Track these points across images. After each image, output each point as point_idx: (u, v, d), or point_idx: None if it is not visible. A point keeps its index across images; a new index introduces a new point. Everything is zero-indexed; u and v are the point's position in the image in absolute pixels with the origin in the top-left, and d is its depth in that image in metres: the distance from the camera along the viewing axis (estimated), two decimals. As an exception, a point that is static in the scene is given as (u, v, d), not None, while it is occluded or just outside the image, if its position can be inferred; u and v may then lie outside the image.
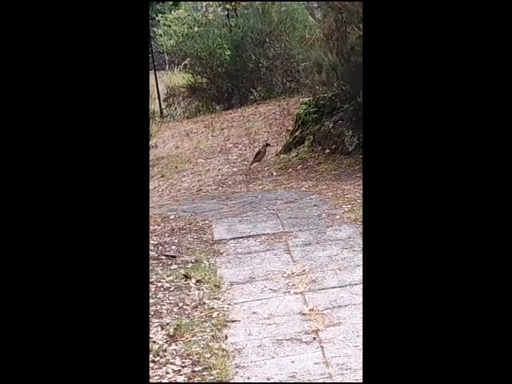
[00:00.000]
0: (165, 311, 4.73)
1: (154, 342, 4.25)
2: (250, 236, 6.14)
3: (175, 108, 15.36)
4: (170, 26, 17.42)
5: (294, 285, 4.99)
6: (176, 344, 4.26)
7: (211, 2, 16.15)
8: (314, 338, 4.18)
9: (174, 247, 5.99)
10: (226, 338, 4.30)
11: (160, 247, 5.97)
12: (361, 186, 7.19)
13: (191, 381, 3.88)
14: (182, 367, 4.00)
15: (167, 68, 17.57)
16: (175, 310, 4.76)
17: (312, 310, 4.55)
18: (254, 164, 9.48)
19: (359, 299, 4.58)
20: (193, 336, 4.33)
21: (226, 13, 15.61)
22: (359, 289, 4.74)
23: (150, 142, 10.95)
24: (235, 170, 9.82)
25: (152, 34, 16.35)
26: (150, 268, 5.32)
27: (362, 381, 3.58)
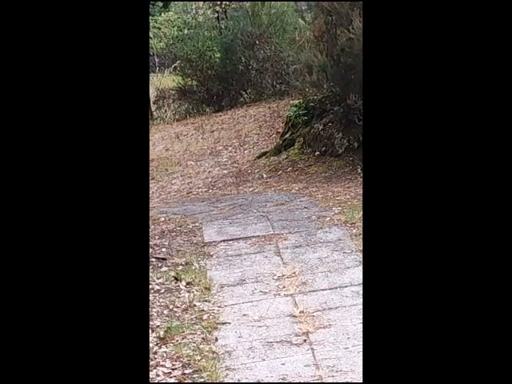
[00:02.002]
0: (155, 313, 4.72)
1: (145, 344, 4.24)
2: (240, 238, 6.13)
3: (165, 110, 15.35)
4: (159, 29, 17.44)
5: (284, 287, 4.98)
6: (166, 346, 4.25)
7: (201, 5, 16.15)
8: (305, 340, 4.18)
9: (164, 249, 5.98)
10: (217, 340, 4.29)
11: (150, 249, 5.96)
12: (350, 188, 7.20)
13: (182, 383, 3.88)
14: (173, 369, 4.00)
15: (157, 70, 17.56)
16: (165, 312, 4.75)
17: (302, 312, 4.54)
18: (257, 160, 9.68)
19: (349, 301, 4.59)
20: (183, 338, 4.33)
21: (216, 15, 15.61)
22: (349, 291, 4.75)
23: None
24: (225, 172, 9.81)
25: (142, 37, 16.32)
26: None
27: (360, 381, 3.59)
